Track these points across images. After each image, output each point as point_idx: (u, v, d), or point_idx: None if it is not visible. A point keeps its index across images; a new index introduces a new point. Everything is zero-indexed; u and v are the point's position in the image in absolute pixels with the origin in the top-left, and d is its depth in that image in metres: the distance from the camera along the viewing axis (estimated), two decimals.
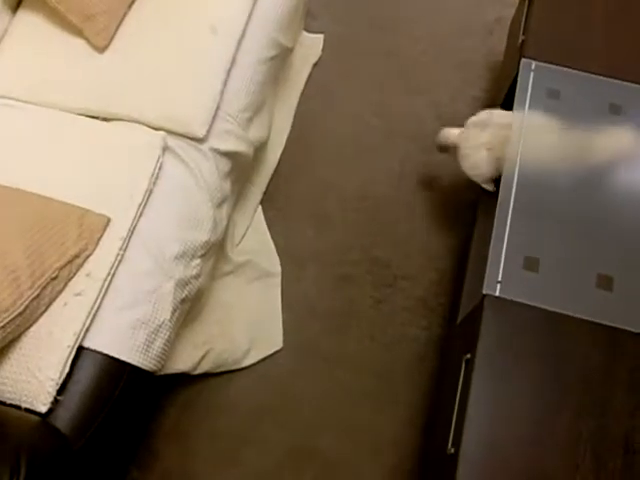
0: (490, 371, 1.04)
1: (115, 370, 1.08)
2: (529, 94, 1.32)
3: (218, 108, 1.36)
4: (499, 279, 1.11)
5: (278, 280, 1.65)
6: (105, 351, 1.07)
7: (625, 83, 1.33)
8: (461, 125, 1.54)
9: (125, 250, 1.17)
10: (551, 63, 1.37)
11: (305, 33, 2.02)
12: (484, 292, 1.10)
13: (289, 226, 1.75)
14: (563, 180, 1.23)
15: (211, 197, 1.33)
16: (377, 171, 1.85)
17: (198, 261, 1.30)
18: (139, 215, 1.20)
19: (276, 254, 1.68)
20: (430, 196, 1.81)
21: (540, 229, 1.17)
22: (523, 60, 1.37)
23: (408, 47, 2.09)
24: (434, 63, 2.06)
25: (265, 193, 1.77)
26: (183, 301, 1.26)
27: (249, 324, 1.57)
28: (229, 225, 1.60)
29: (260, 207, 1.74)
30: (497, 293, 1.10)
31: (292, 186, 1.81)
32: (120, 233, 1.16)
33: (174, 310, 1.22)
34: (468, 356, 1.07)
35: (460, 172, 1.52)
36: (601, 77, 1.34)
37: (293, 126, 1.88)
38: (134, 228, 1.19)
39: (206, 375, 1.50)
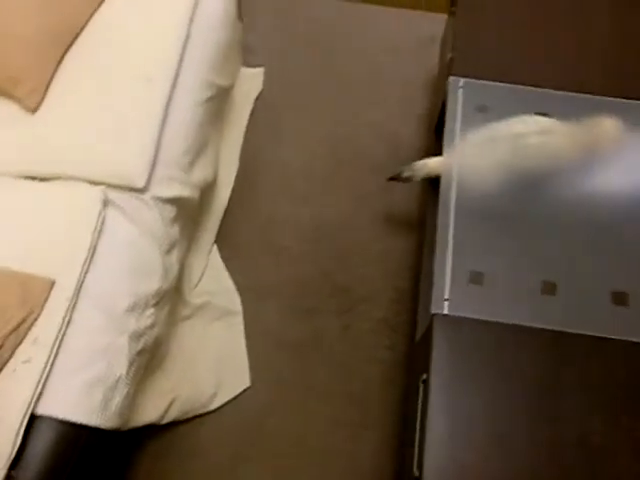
0: (446, 390, 1.04)
1: (73, 434, 1.06)
2: (459, 111, 1.35)
3: (157, 156, 1.36)
4: (446, 297, 1.13)
5: (240, 318, 1.64)
6: (59, 416, 1.05)
7: (550, 91, 1.37)
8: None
9: (73, 310, 1.15)
10: (479, 78, 1.41)
11: (244, 68, 2.04)
12: (432, 312, 1.11)
13: (247, 262, 1.75)
14: (500, 189, 1.25)
15: (158, 245, 1.33)
16: (329, 198, 1.86)
17: (152, 310, 1.29)
18: (85, 273, 1.19)
19: (236, 292, 1.68)
20: (384, 217, 1.83)
21: (483, 242, 1.19)
22: (451, 78, 1.41)
23: (348, 71, 2.13)
24: (376, 85, 2.10)
25: (219, 232, 1.77)
26: (140, 353, 1.25)
27: (214, 365, 1.56)
28: (184, 269, 1.60)
29: (215, 247, 1.74)
30: (445, 311, 1.12)
31: (246, 222, 1.81)
32: (66, 293, 1.15)
33: (131, 364, 1.21)
34: (424, 377, 1.08)
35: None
36: (527, 87, 1.38)
37: (241, 162, 1.89)
38: (81, 286, 1.18)
39: (175, 423, 1.48)
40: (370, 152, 1.94)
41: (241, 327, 1.63)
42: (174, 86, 1.44)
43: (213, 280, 1.68)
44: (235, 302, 1.65)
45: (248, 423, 1.53)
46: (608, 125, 1.21)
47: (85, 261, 1.19)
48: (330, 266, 1.74)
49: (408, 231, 1.81)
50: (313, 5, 2.28)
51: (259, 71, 2.06)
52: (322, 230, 1.80)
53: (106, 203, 1.27)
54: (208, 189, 1.67)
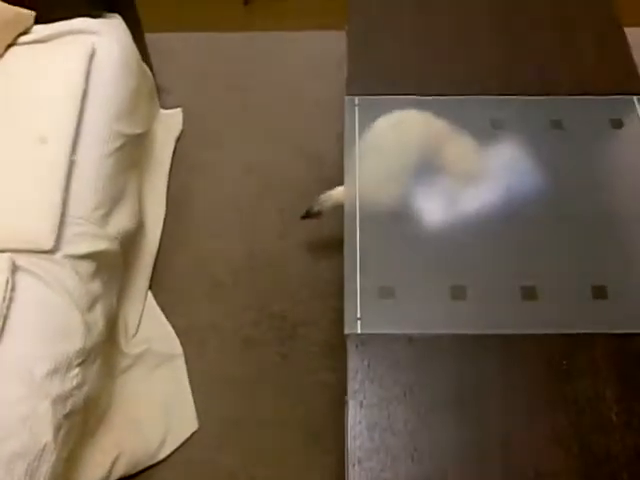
0: (364, 410, 1.04)
1: None
2: (357, 128, 1.37)
3: (64, 214, 1.35)
4: (358, 316, 1.13)
5: (181, 361, 1.63)
6: None
7: (441, 97, 1.40)
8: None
9: None
10: (374, 94, 1.43)
11: (163, 110, 2.05)
12: (345, 332, 1.12)
13: (183, 303, 1.74)
14: (404, 199, 1.27)
15: (77, 304, 1.32)
16: (260, 227, 1.87)
17: (76, 371, 1.27)
18: None
19: (174, 335, 1.66)
20: (315, 239, 1.84)
21: (389, 256, 1.20)
22: (346, 97, 1.42)
23: (268, 98, 2.15)
24: (294, 109, 2.12)
25: (153, 276, 1.76)
26: (68, 416, 1.23)
27: (159, 413, 1.54)
28: (118, 320, 1.59)
29: (150, 292, 1.73)
30: (359, 330, 1.12)
31: (179, 263, 1.81)
32: None
33: (57, 429, 1.19)
34: (346, 398, 1.08)
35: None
36: (419, 97, 1.41)
37: (168, 204, 1.89)
38: None
39: (124, 479, 1.46)
40: (295, 176, 1.95)
41: (184, 370, 1.62)
42: (76, 142, 1.44)
43: (150, 326, 1.66)
44: (175, 346, 1.64)
45: (200, 467, 1.51)
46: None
47: None
48: (266, 295, 1.74)
49: (340, 251, 1.81)
50: (226, 39, 2.30)
51: (177, 111, 2.07)
52: (255, 260, 1.80)
53: (15, 269, 1.26)
54: (134, 236, 1.66)
